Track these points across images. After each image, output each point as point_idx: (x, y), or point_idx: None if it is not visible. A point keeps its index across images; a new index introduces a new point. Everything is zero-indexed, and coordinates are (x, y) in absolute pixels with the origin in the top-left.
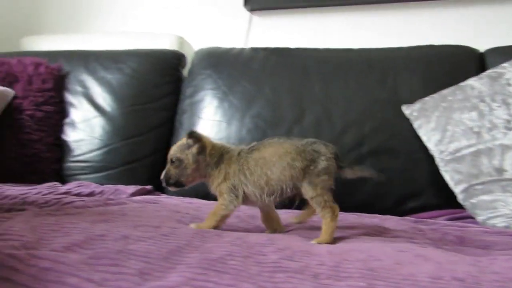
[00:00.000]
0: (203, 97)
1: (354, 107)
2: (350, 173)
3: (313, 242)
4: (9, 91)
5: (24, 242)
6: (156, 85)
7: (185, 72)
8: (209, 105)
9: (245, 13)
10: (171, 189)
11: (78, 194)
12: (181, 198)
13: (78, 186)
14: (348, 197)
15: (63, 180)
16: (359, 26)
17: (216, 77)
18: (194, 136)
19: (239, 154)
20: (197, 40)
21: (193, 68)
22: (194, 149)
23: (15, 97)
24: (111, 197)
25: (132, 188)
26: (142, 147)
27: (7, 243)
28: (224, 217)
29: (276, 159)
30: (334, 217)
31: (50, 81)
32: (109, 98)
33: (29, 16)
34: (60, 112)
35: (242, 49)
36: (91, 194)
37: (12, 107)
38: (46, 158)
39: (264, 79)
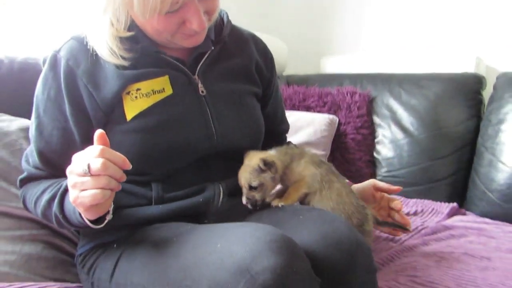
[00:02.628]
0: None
1: None
2: (385, 227)
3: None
4: (335, 119)
5: None
6: (459, 110)
7: (484, 93)
8: None
9: None
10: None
11: (407, 214)
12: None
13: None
14: None
15: None
16: None
17: None
18: (269, 163)
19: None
20: (490, 57)
21: (498, 94)
22: (269, 173)
23: (339, 123)
24: (447, 224)
25: (444, 207)
26: (446, 166)
27: None
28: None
29: (340, 207)
30: None
31: (364, 107)
32: (415, 122)
33: (326, 37)
34: (372, 133)
35: None
36: (416, 213)
37: (340, 132)
38: (365, 173)
39: None
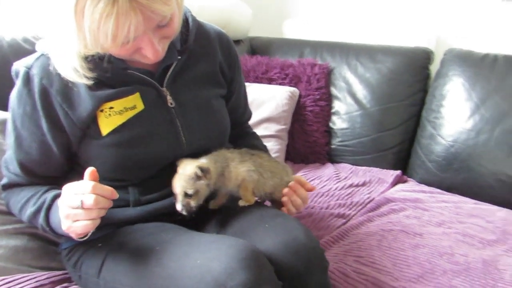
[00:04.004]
0: (453, 104)
1: None
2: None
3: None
4: (296, 91)
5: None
6: (409, 84)
7: (432, 67)
8: (459, 114)
9: (500, 3)
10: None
11: (356, 185)
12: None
13: (351, 173)
14: None
15: (331, 160)
16: None
17: (469, 88)
18: (205, 170)
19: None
20: (440, 29)
21: (443, 71)
22: (204, 180)
23: (299, 96)
24: (389, 196)
25: (389, 175)
26: (393, 137)
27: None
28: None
29: (277, 180)
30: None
31: (323, 79)
32: (368, 95)
33: (289, 1)
34: (329, 104)
35: (495, 57)
36: (364, 184)
37: (300, 105)
38: (321, 143)
39: None
